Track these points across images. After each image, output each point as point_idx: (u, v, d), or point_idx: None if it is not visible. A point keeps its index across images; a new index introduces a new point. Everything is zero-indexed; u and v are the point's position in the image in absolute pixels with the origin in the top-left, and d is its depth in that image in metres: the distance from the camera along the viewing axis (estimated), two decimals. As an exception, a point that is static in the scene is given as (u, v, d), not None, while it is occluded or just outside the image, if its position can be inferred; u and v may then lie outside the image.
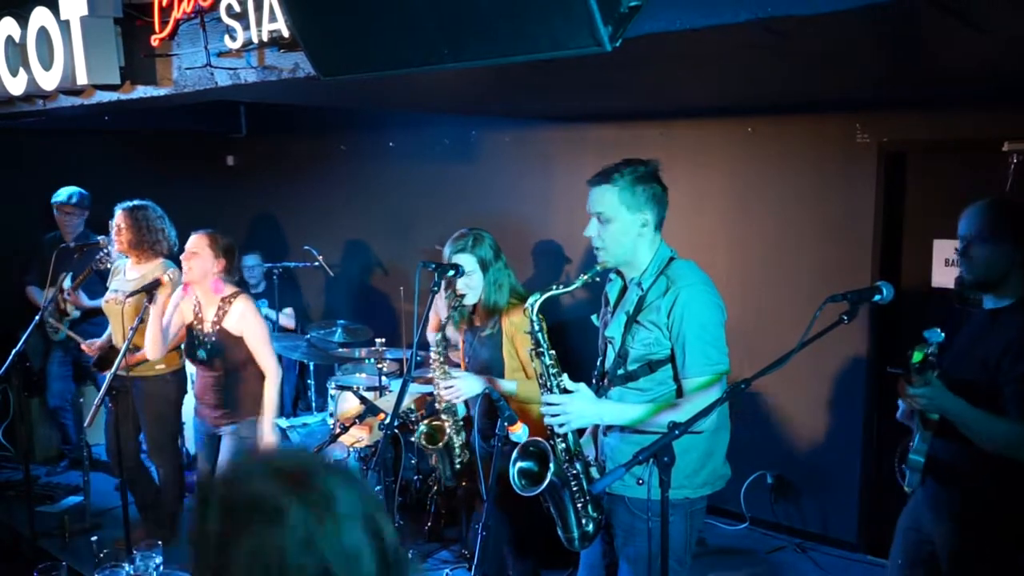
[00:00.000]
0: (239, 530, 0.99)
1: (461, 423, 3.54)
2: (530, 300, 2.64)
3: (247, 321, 3.87)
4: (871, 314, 4.30)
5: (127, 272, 4.39)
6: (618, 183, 2.52)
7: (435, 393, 3.34)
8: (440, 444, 3.49)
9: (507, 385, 3.25)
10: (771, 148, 4.60)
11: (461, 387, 3.23)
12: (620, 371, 2.59)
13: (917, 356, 2.22)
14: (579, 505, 2.62)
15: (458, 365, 3.61)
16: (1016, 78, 3.22)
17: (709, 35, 2.19)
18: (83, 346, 4.73)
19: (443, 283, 3.19)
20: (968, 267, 2.48)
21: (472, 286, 3.26)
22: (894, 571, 2.81)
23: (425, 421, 3.61)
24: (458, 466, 3.53)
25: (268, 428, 3.91)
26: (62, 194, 5.39)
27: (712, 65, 3.03)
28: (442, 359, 3.34)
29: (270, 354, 3.94)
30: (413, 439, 3.85)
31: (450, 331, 3.55)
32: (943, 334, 2.21)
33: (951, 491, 2.52)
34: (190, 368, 4.55)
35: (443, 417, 3.46)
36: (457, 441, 3.49)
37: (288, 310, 6.08)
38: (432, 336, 3.47)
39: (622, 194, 2.52)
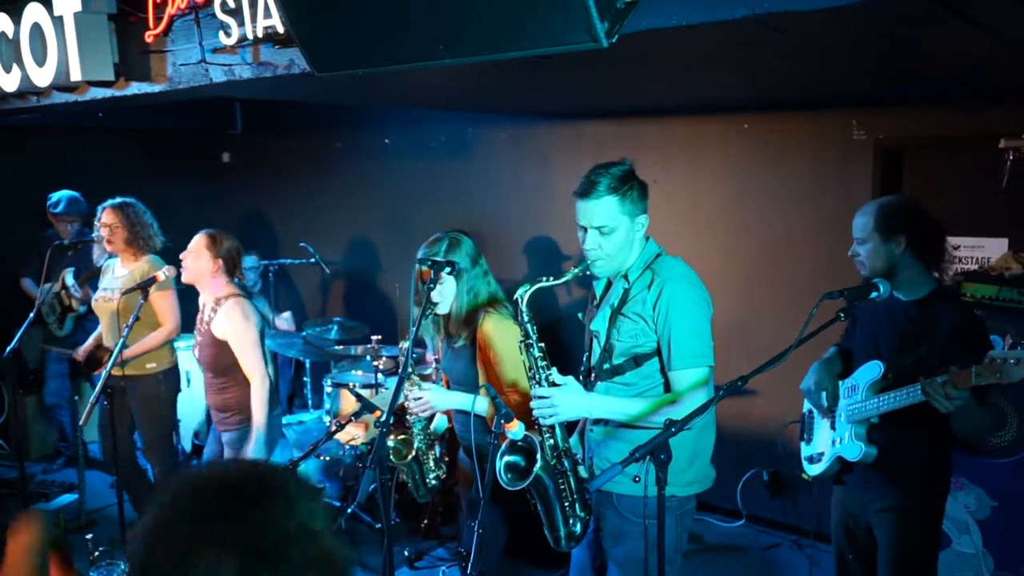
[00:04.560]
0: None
1: (434, 437, 3.32)
2: (519, 291, 2.60)
3: (232, 324, 3.67)
4: (867, 311, 4.30)
5: (116, 270, 4.34)
6: (616, 193, 2.48)
7: (405, 405, 3.12)
8: (408, 458, 3.22)
9: (478, 404, 3.00)
10: (768, 145, 4.60)
11: (431, 400, 3.07)
12: (606, 365, 2.58)
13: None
14: (566, 504, 2.59)
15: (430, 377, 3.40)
16: (1012, 75, 3.22)
17: (705, 31, 2.19)
18: (75, 355, 4.66)
19: (420, 288, 3.06)
20: (860, 265, 2.73)
21: (445, 293, 3.04)
22: (846, 566, 2.88)
23: (392, 436, 3.21)
24: (432, 482, 3.28)
25: (251, 440, 3.66)
26: (52, 199, 5.43)
27: (708, 61, 3.02)
28: (411, 369, 3.06)
29: (256, 360, 3.70)
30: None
31: (429, 339, 3.33)
32: (1002, 340, 2.27)
33: (889, 474, 2.66)
34: (184, 365, 4.55)
35: (413, 429, 3.21)
36: (430, 456, 3.26)
37: (286, 314, 6.00)
38: (402, 344, 3.22)
39: (622, 203, 2.49)
